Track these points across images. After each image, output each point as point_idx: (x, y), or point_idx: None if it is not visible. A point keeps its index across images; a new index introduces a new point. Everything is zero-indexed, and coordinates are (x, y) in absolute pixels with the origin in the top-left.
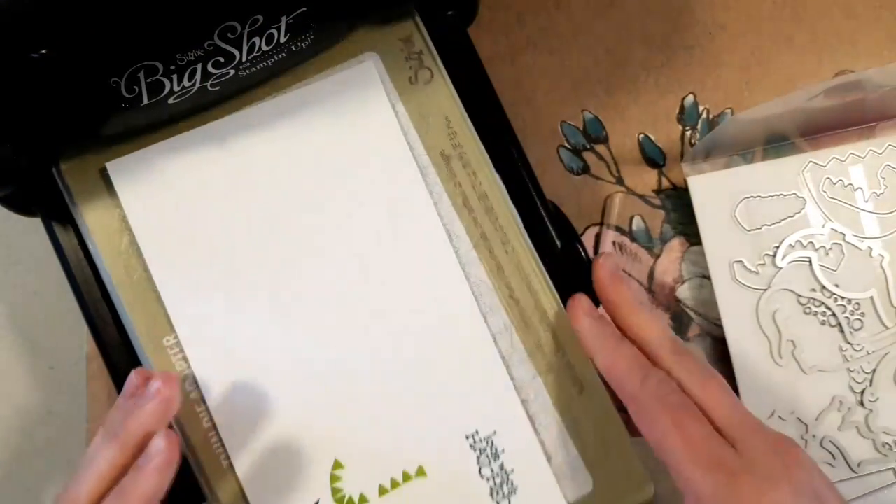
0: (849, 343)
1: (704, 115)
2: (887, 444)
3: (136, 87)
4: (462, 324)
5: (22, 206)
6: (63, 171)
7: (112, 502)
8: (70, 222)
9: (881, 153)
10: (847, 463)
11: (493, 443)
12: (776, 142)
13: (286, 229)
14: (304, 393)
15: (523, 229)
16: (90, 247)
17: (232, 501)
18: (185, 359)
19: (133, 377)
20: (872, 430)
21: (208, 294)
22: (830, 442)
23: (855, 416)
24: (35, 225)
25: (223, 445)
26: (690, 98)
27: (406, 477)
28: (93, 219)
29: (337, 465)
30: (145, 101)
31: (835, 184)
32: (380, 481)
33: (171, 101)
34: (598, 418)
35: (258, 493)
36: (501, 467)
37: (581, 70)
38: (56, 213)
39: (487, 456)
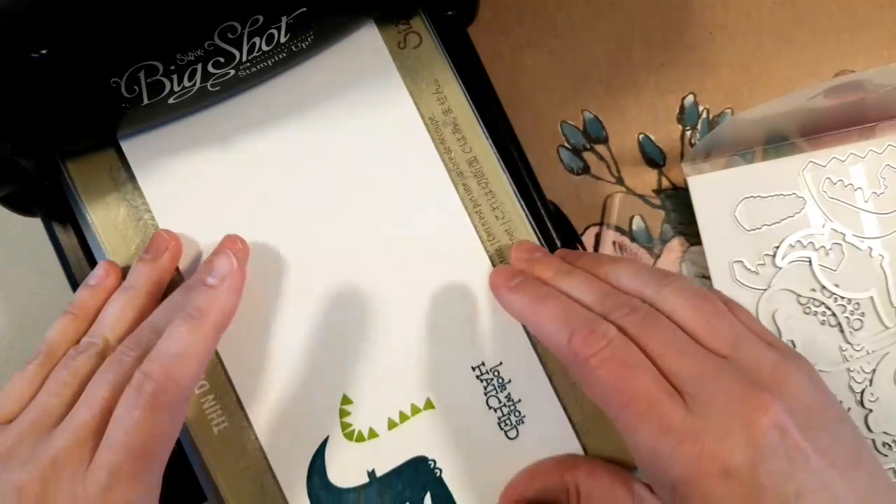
0: (849, 343)
1: (704, 115)
2: (887, 443)
3: (136, 87)
4: (466, 259)
5: (22, 206)
6: (69, 168)
7: (185, 323)
8: (70, 222)
9: (881, 153)
10: None
11: (499, 373)
12: (776, 142)
13: (300, 189)
14: (311, 331)
15: (515, 191)
16: (93, 245)
17: (242, 442)
18: None
19: (161, 235)
20: (872, 430)
21: (211, 234)
22: None
23: (855, 416)
24: (35, 225)
25: (232, 385)
26: (690, 98)
27: (414, 410)
28: (104, 225)
29: (345, 400)
30: (145, 101)
31: (835, 184)
32: (388, 415)
33: (171, 101)
34: None
35: (267, 431)
36: (508, 397)
37: (581, 70)
38: (56, 213)
39: (494, 386)
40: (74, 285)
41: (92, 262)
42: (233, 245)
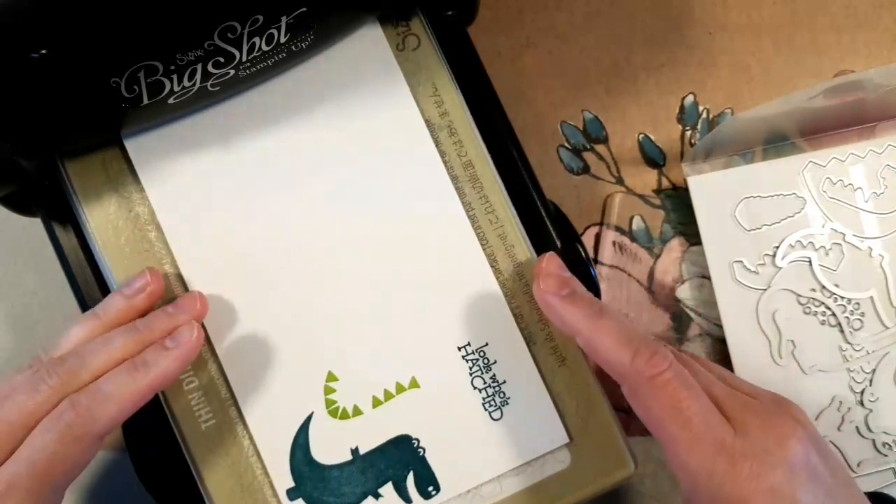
0: (849, 343)
1: (704, 115)
2: (887, 443)
3: (136, 87)
4: (455, 244)
5: (22, 206)
6: (67, 168)
7: (127, 373)
8: (70, 222)
9: (881, 153)
10: (847, 463)
11: (484, 353)
12: (776, 142)
13: (297, 179)
14: (298, 307)
15: (508, 197)
16: (91, 245)
17: (226, 416)
18: (182, 281)
19: (146, 276)
20: (872, 430)
21: (209, 224)
22: (830, 442)
23: (855, 416)
24: (35, 225)
25: (217, 360)
26: (690, 98)
27: (399, 388)
28: (96, 215)
29: (331, 377)
30: (145, 101)
31: (835, 184)
32: (373, 393)
33: (171, 101)
34: (580, 393)
35: (253, 406)
36: (493, 378)
37: (581, 70)
38: (56, 213)
39: (479, 367)
40: (75, 285)
41: (92, 262)
42: (191, 303)
